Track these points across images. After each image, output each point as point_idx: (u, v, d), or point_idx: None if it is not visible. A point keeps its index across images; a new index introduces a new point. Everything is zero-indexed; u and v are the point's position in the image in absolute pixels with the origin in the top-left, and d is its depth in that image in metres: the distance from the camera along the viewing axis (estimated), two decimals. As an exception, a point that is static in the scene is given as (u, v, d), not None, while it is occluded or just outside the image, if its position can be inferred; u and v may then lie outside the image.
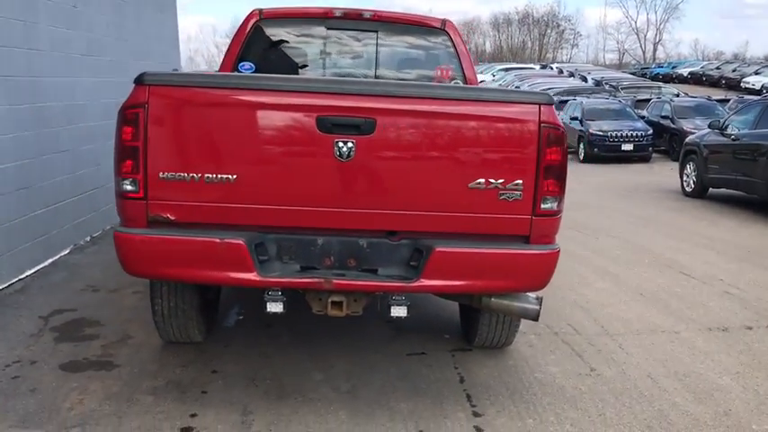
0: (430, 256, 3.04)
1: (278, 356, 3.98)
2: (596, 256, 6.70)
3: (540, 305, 3.56)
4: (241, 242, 2.98)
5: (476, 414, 3.39)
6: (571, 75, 37.19)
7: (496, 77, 38.58)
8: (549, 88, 28.00)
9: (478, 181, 3.07)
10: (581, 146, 17.58)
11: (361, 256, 3.16)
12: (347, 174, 3.04)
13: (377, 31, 4.97)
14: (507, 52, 68.55)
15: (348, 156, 3.00)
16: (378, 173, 3.07)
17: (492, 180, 3.07)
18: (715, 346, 4.38)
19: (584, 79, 34.45)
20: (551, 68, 43.41)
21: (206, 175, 3.01)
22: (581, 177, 13.54)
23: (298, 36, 5.00)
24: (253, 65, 4.86)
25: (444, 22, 4.97)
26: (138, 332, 4.28)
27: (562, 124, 3.21)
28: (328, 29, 4.95)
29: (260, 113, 3.02)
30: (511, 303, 3.52)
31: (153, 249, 3.02)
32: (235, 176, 3.02)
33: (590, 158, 17.11)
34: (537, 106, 3.07)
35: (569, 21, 71.40)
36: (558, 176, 3.15)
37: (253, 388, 3.59)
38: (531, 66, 46.76)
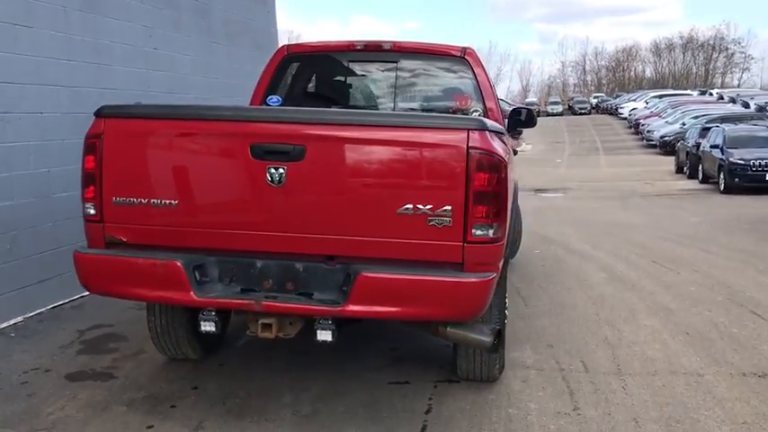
0: (355, 282, 3.06)
1: (262, 378, 4.10)
2: (662, 290, 6.27)
3: (496, 337, 3.45)
4: (178, 263, 3.16)
5: (418, 449, 3.32)
6: (732, 101, 34.80)
7: (649, 104, 36.99)
8: (702, 115, 26.47)
9: (406, 206, 3.06)
10: (721, 175, 16.41)
11: (298, 280, 3.23)
12: (280, 199, 3.14)
13: (396, 62, 5.03)
14: (669, 78, 65.35)
15: (280, 181, 3.10)
16: (309, 198, 3.15)
17: (420, 206, 3.05)
18: (737, 393, 3.99)
19: (747, 105, 32.12)
20: (710, 94, 40.86)
21: (152, 200, 3.23)
22: (709, 208, 12.72)
23: (322, 69, 5.18)
24: (280, 98, 5.09)
25: (464, 50, 4.97)
26: (152, 348, 4.56)
27: (500, 150, 3.12)
28: (350, 61, 5.09)
29: (198, 141, 3.21)
30: (465, 333, 3.45)
31: (100, 269, 3.28)
32: (177, 201, 3.22)
33: (730, 189, 15.89)
34: (465, 132, 3.02)
35: (739, 43, 66.91)
36: (492, 203, 3.07)
37: (219, 406, 3.73)
38: (689, 92, 44.29)
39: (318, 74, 5.26)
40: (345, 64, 5.18)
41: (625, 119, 40.97)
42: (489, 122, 3.24)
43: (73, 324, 5.11)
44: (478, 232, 3.07)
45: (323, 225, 3.15)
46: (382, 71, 5.21)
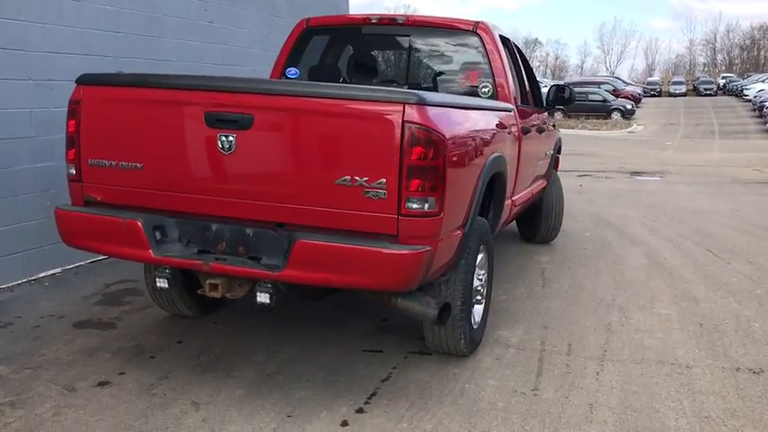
0: (292, 248, 3.18)
1: (245, 337, 4.32)
2: (699, 280, 6.00)
3: (442, 311, 3.49)
4: (138, 223, 3.39)
5: (359, 411, 3.43)
6: None
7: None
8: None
9: (344, 178, 3.14)
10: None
11: (248, 245, 3.39)
12: (230, 165, 3.31)
13: (409, 36, 5.07)
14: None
15: (230, 149, 3.26)
16: (256, 166, 3.29)
17: (357, 177, 3.12)
18: (717, 388, 3.83)
19: None
20: None
21: (120, 163, 3.48)
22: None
23: (339, 42, 5.28)
24: (298, 70, 5.25)
25: (476, 24, 4.93)
26: (160, 304, 4.87)
27: (441, 125, 3.14)
28: (365, 35, 5.17)
29: (159, 108, 3.41)
30: (411, 305, 3.51)
31: (72, 225, 3.57)
32: (141, 165, 3.45)
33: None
34: (402, 105, 3.06)
35: None
36: (428, 177, 3.09)
37: (192, 359, 3.97)
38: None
39: (335, 47, 5.36)
40: (361, 38, 5.25)
41: (750, 101, 38.45)
42: (432, 96, 3.25)
43: (103, 278, 5.51)
44: (414, 206, 3.10)
45: (269, 192, 3.28)
46: (396, 45, 5.24)
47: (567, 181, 12.25)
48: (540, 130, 5.78)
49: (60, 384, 3.61)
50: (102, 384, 3.63)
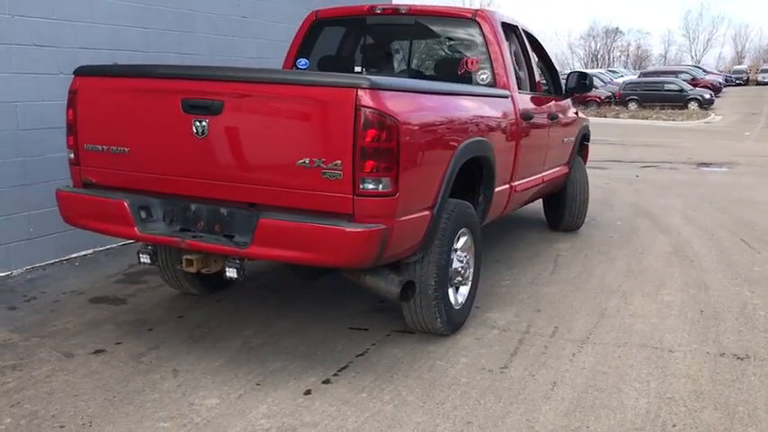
0: (256, 226, 3.40)
1: (243, 313, 4.57)
2: (720, 268, 5.89)
3: (405, 288, 3.63)
4: (125, 203, 3.68)
5: (325, 381, 3.61)
6: None
7: None
8: None
9: (304, 159, 3.33)
10: None
11: (223, 223, 3.63)
12: (204, 149, 3.55)
13: (411, 25, 5.20)
14: None
15: (203, 133, 3.50)
16: (227, 149, 3.52)
17: (315, 159, 3.30)
18: (693, 371, 3.83)
19: None
20: None
21: (111, 147, 3.78)
22: None
23: (346, 32, 5.47)
24: (307, 61, 5.47)
25: (476, 12, 5.02)
26: (174, 283, 5.19)
27: (393, 108, 3.28)
28: (369, 25, 5.33)
29: (143, 96, 3.68)
30: (376, 282, 3.68)
31: (70, 205, 3.89)
32: (128, 149, 3.73)
33: None
34: (354, 90, 3.21)
35: None
36: (381, 159, 3.24)
37: (186, 332, 4.25)
38: None
39: (342, 37, 5.53)
40: (366, 27, 5.41)
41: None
42: (387, 81, 3.39)
43: (129, 259, 5.87)
44: (368, 186, 3.25)
45: (240, 174, 3.50)
46: (399, 34, 5.38)
47: (625, 172, 12.11)
48: (553, 117, 5.79)
49: (61, 351, 3.93)
50: (97, 352, 3.94)
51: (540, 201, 7.13)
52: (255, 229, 3.38)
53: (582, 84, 6.32)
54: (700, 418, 3.30)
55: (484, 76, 4.93)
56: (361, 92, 3.18)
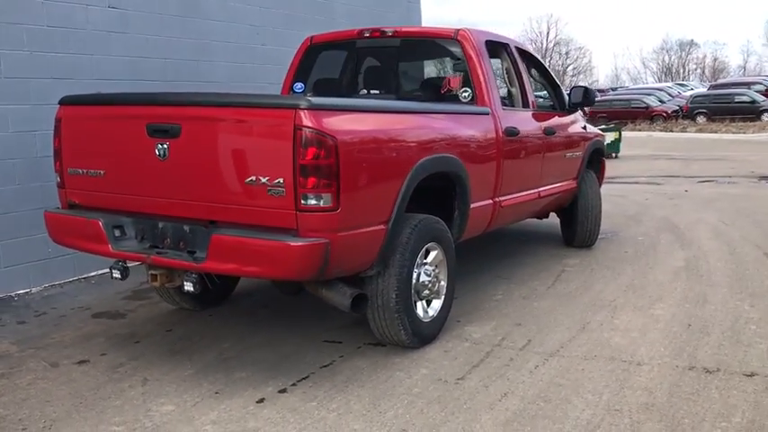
0: (210, 242, 3.61)
1: (228, 328, 4.77)
2: (728, 282, 5.74)
3: (356, 300, 3.76)
4: (99, 222, 3.96)
5: (282, 391, 3.76)
6: None
7: None
8: None
9: (251, 178, 3.53)
10: None
11: (186, 240, 3.86)
12: (167, 170, 3.79)
13: (397, 47, 5.37)
14: None
15: (165, 156, 3.75)
16: (186, 169, 3.75)
17: (261, 177, 3.50)
18: (654, 384, 3.80)
19: None
20: None
21: (89, 171, 4.07)
22: None
23: (338, 56, 5.68)
24: (303, 85, 5.71)
25: (457, 32, 5.14)
26: (175, 299, 5.45)
27: (332, 126, 3.44)
28: (359, 48, 5.53)
29: (114, 122, 3.96)
30: (329, 294, 3.83)
31: (55, 225, 4.20)
32: (103, 171, 4.02)
33: None
34: (293, 111, 3.40)
35: None
36: (322, 176, 3.41)
37: (169, 345, 4.49)
38: None
39: (335, 60, 5.73)
40: (356, 50, 5.60)
41: None
42: (325, 101, 3.55)
43: (141, 277, 6.17)
44: (311, 202, 3.42)
45: (199, 193, 3.72)
46: (387, 55, 5.55)
47: (677, 187, 11.86)
48: (549, 132, 5.83)
49: (48, 361, 4.23)
50: (81, 362, 4.21)
51: (557, 217, 7.15)
52: (209, 245, 3.58)
53: (584, 98, 6.33)
54: (640, 429, 3.28)
55: (465, 94, 5.03)
56: (300, 112, 3.36)
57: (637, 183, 12.86)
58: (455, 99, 5.09)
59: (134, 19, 6.54)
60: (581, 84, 6.36)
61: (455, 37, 5.11)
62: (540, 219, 7.33)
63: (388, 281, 4.00)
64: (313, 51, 5.72)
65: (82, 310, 5.27)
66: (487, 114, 4.94)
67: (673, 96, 36.07)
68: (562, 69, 75.46)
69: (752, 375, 3.88)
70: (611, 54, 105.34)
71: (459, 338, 4.51)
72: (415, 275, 4.20)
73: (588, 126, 7.12)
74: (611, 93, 41.86)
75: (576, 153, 6.59)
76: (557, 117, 6.27)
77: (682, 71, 78.67)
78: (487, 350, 4.32)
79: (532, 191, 5.71)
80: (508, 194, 5.26)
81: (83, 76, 6.10)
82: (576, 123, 6.64)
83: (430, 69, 5.49)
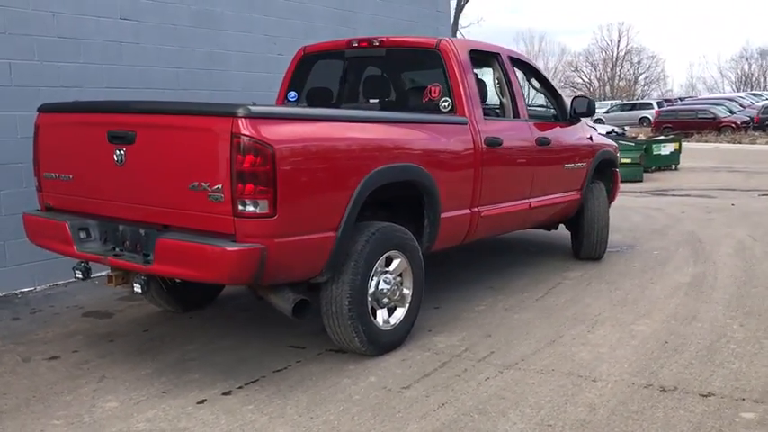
0: (156, 246, 3.74)
1: (202, 331, 4.89)
2: (727, 300, 5.52)
3: (299, 306, 3.82)
4: (66, 224, 4.14)
5: (226, 393, 3.85)
6: None
7: None
8: None
9: (195, 183, 3.64)
10: None
11: (142, 243, 4.00)
12: (124, 175, 3.94)
13: (383, 56, 5.43)
14: None
15: (122, 161, 3.91)
16: (140, 175, 3.89)
17: (202, 183, 3.60)
18: (600, 401, 3.71)
19: None
20: None
21: (61, 175, 4.27)
22: None
23: (325, 65, 5.77)
24: (296, 94, 5.83)
25: (438, 42, 5.16)
26: (166, 301, 5.62)
27: (269, 134, 3.51)
28: (347, 58, 5.61)
29: (81, 129, 4.14)
30: (275, 299, 3.89)
31: (29, 226, 4.40)
32: (72, 176, 4.21)
33: None
34: (231, 119, 3.50)
35: None
36: (258, 182, 3.48)
37: (139, 345, 4.64)
38: None
39: (326, 70, 5.81)
40: (346, 60, 5.68)
41: None
42: (263, 110, 3.61)
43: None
44: (247, 208, 3.50)
45: (150, 197, 3.85)
46: (374, 64, 5.60)
47: (725, 200, 11.47)
48: (542, 142, 5.76)
49: (23, 356, 4.43)
50: (52, 358, 4.40)
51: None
52: (155, 249, 3.70)
53: (584, 109, 6.25)
54: (565, 446, 3.22)
55: (445, 103, 5.03)
56: (238, 120, 3.44)
57: (688, 195, 12.50)
58: (436, 108, 5.08)
59: (146, 30, 6.77)
60: (579, 94, 6.24)
61: (436, 47, 5.12)
62: (549, 230, 7.23)
63: (341, 288, 4.04)
64: (307, 61, 5.81)
65: (75, 309, 5.48)
66: (465, 124, 4.92)
67: (744, 107, 34.79)
68: (633, 79, 73.73)
69: (708, 396, 3.74)
70: (686, 63, 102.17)
71: (422, 348, 4.50)
72: (374, 283, 4.22)
73: (597, 137, 6.98)
74: (678, 103, 40.68)
75: (579, 164, 6.48)
76: (557, 128, 6.19)
77: (762, 81, 75.72)
78: (445, 360, 4.29)
79: (521, 201, 5.65)
80: (490, 204, 5.22)
81: (92, 84, 6.36)
82: (580, 134, 6.53)
83: (414, 79, 5.49)
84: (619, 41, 71.91)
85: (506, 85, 5.63)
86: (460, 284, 6.09)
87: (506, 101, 5.64)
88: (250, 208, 3.48)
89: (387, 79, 5.54)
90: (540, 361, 4.27)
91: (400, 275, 4.42)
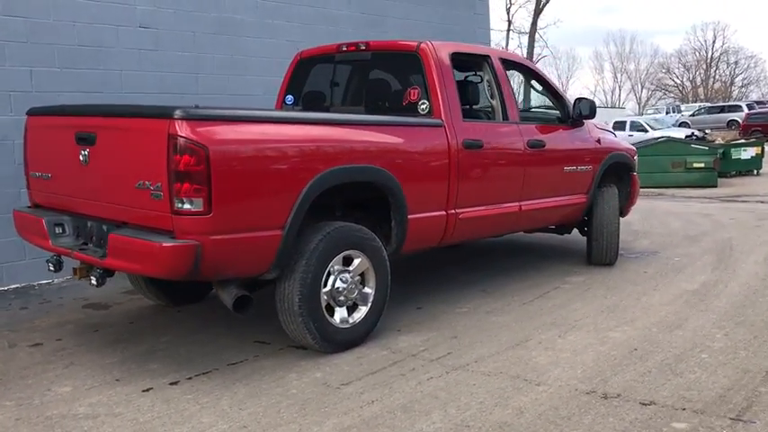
0: (107, 241, 3.97)
1: (181, 324, 5.11)
2: (724, 309, 5.31)
3: (239, 301, 3.98)
4: (42, 220, 4.44)
5: (173, 383, 4.03)
6: None
7: None
8: None
9: (140, 182, 3.85)
10: None
11: (104, 238, 4.24)
12: (89, 174, 4.20)
13: (369, 60, 5.53)
14: None
15: (86, 161, 4.17)
16: (101, 174, 4.14)
17: (146, 182, 3.81)
18: (533, 405, 3.67)
19: None
20: None
21: (43, 174, 4.58)
22: None
23: (320, 69, 5.91)
24: (293, 97, 6.01)
25: (419, 45, 5.21)
26: (164, 295, 5.89)
27: (203, 135, 3.67)
28: (336, 62, 5.74)
29: (55, 131, 4.43)
30: (222, 294, 4.06)
31: (17, 221, 4.73)
32: (50, 175, 4.51)
33: None
34: (167, 120, 3.68)
35: None
36: (192, 181, 3.65)
37: (120, 334, 4.90)
38: None
39: (320, 73, 5.94)
40: (336, 64, 5.80)
41: None
42: (199, 111, 3.76)
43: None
44: (184, 206, 3.67)
45: (108, 195, 4.09)
46: (361, 67, 5.69)
47: None
48: (534, 145, 5.72)
49: (10, 342, 4.76)
50: (35, 345, 4.71)
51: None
52: (107, 244, 3.92)
53: (586, 110, 6.15)
54: (472, 447, 3.22)
55: (423, 106, 5.07)
56: (174, 122, 3.61)
57: (761, 202, 11.96)
58: (415, 111, 5.12)
59: (165, 37, 7.10)
60: (581, 96, 6.14)
61: (416, 50, 5.16)
62: (561, 234, 7.13)
63: (292, 285, 4.15)
64: (303, 65, 5.96)
65: (79, 301, 5.82)
66: (439, 126, 4.94)
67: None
68: (729, 80, 70.55)
69: (648, 404, 3.65)
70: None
71: (382, 347, 4.56)
72: (330, 281, 4.31)
73: (609, 139, 6.82)
74: (770, 105, 38.71)
75: (584, 167, 6.36)
76: (558, 130, 6.11)
77: None
78: (398, 359, 4.33)
79: (509, 204, 5.61)
80: (470, 207, 5.22)
81: (111, 89, 6.72)
82: (584, 136, 6.41)
83: (396, 82, 5.54)
84: (714, 42, 69.00)
85: (496, 88, 5.60)
86: (453, 286, 6.09)
87: (496, 103, 5.61)
88: (186, 206, 3.64)
89: (371, 82, 5.61)
90: (493, 363, 4.25)
91: (361, 275, 4.48)
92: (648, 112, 38.56)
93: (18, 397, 3.83)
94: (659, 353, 4.40)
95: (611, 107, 61.51)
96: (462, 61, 5.41)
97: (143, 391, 3.90)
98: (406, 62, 5.26)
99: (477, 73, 5.73)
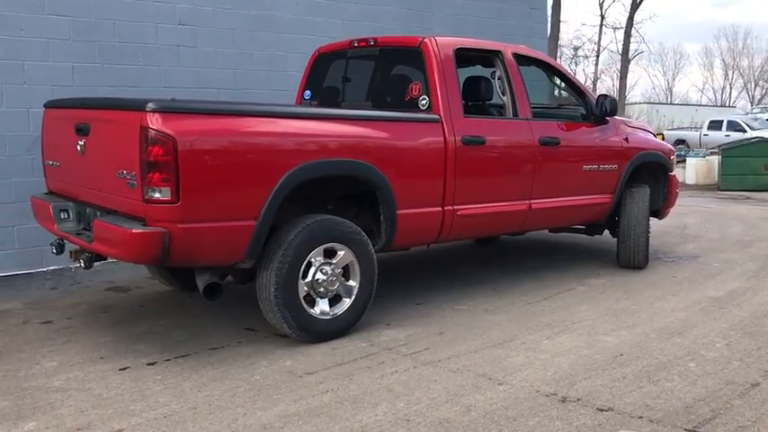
0: (92, 226, 4.23)
1: (187, 309, 5.31)
2: (740, 317, 5.08)
3: (210, 288, 4.14)
4: (49, 205, 4.76)
5: (150, 363, 4.23)
6: None
7: None
8: None
9: (120, 171, 4.08)
10: None
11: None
12: (85, 163, 4.48)
13: (377, 56, 5.60)
14: None
15: (83, 151, 4.45)
16: (94, 162, 4.40)
17: (124, 171, 4.03)
18: (484, 404, 3.63)
19: None
20: None
21: (54, 162, 4.91)
22: None
23: (334, 64, 6.02)
24: (311, 92, 6.17)
25: (421, 41, 5.24)
26: (183, 282, 6.16)
27: (172, 128, 3.85)
28: (349, 57, 5.84)
29: (63, 122, 4.72)
30: (198, 279, 4.24)
31: (33, 207, 5.07)
32: (58, 163, 4.83)
33: None
34: (140, 113, 3.88)
35: None
36: (162, 171, 3.83)
37: (122, 316, 5.17)
38: None
39: (335, 69, 6.03)
40: (348, 59, 5.89)
41: None
42: (169, 105, 3.92)
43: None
44: (154, 195, 3.86)
45: (99, 183, 4.34)
46: (370, 62, 5.76)
47: None
48: (547, 142, 5.62)
49: (25, 318, 5.11)
50: (46, 323, 5.03)
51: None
52: (92, 229, 4.17)
53: (611, 107, 5.99)
54: (403, 440, 3.24)
55: (423, 101, 5.09)
56: (146, 115, 3.80)
57: None
58: (416, 106, 5.14)
59: (204, 33, 7.38)
60: (604, 93, 5.95)
61: (418, 46, 5.17)
62: (591, 235, 6.97)
63: (269, 275, 4.27)
64: (321, 60, 6.08)
65: (104, 284, 6.16)
66: (435, 122, 4.94)
67: None
68: None
69: (605, 411, 3.55)
70: None
71: (363, 339, 4.61)
72: (311, 273, 4.40)
73: (638, 138, 6.59)
74: None
75: (607, 166, 6.18)
76: (578, 127, 5.98)
77: None
78: (372, 352, 4.37)
79: (517, 202, 5.53)
80: (470, 204, 5.19)
81: (149, 85, 7.04)
82: (608, 134, 6.22)
83: (401, 77, 5.56)
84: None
85: (507, 83, 5.53)
86: (462, 284, 6.06)
87: (507, 99, 5.54)
88: (156, 195, 3.81)
89: (378, 78, 5.65)
90: (465, 360, 4.23)
91: (345, 268, 4.55)
92: (755, 111, 36.34)
93: (6, 369, 4.11)
94: (644, 359, 4.25)
95: (721, 106, 58.59)
96: (471, 57, 5.37)
97: (120, 369, 4.10)
98: (410, 58, 5.27)
99: (488, 68, 5.65)
